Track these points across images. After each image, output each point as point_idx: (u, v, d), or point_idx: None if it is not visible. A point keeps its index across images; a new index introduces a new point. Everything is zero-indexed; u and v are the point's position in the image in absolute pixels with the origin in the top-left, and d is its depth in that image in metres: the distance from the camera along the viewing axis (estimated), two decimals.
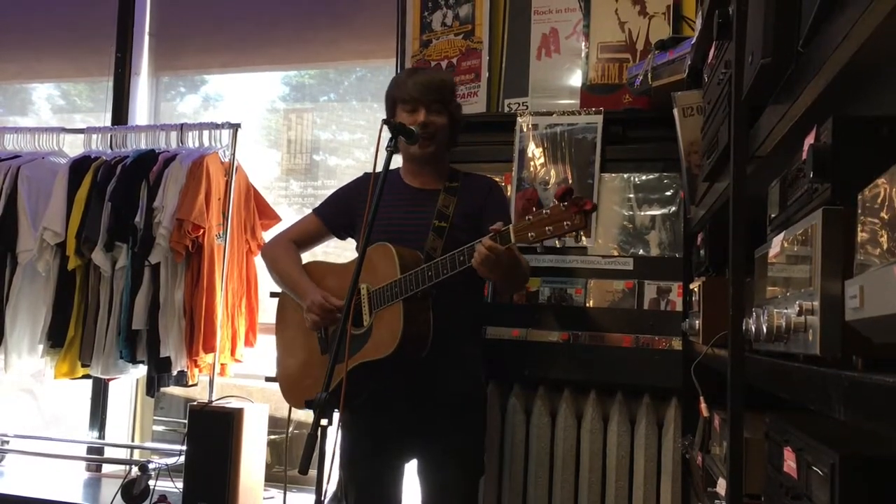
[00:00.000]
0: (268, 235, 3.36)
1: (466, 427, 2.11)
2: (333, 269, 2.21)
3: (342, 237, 2.31)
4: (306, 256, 2.31)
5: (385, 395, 2.06)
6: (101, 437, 3.67)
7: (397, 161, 2.28)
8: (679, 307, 2.45)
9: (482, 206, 2.12)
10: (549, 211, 1.70)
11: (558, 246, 1.77)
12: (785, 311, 0.91)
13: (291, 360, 2.25)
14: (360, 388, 1.97)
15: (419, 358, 1.97)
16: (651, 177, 2.58)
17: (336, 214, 2.25)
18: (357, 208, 2.13)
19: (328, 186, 3.60)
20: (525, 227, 1.73)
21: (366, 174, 2.22)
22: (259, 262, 3.38)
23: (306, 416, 3.13)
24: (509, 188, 2.70)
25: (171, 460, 3.11)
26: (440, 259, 1.89)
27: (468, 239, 1.85)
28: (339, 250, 3.24)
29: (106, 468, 3.62)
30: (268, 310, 3.25)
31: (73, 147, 3.65)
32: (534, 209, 1.75)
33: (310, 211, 2.33)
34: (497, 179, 2.71)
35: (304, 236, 2.29)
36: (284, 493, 3.00)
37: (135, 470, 3.10)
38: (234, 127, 3.26)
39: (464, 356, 2.12)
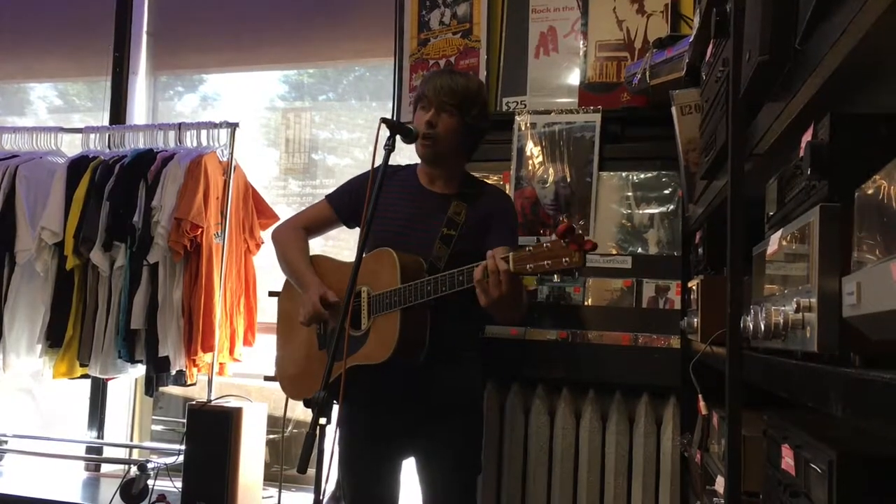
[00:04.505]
0: (266, 235, 3.35)
1: (464, 426, 2.12)
2: (338, 265, 2.21)
3: (350, 226, 2.30)
4: (312, 245, 2.32)
5: (383, 394, 2.07)
6: (100, 436, 3.66)
7: (402, 160, 2.28)
8: (677, 305, 2.45)
9: (489, 220, 2.11)
10: (549, 245, 1.71)
11: (556, 281, 1.78)
12: (783, 308, 0.91)
13: (291, 352, 2.28)
14: (356, 389, 1.98)
15: (415, 364, 1.98)
16: (649, 175, 2.58)
17: (348, 203, 2.24)
18: None
19: (326, 185, 3.59)
20: (524, 258, 1.73)
21: (376, 168, 2.21)
22: (258, 261, 3.39)
23: (305, 414, 3.13)
24: (507, 187, 2.70)
25: (169, 460, 3.11)
26: (440, 276, 1.89)
27: (472, 249, 1.86)
28: (337, 250, 3.25)
29: (105, 468, 3.62)
30: (266, 309, 3.25)
31: (72, 147, 3.65)
32: (537, 239, 1.74)
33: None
34: (495, 178, 2.71)
35: (314, 223, 2.30)
36: (279, 491, 2.99)
37: (134, 469, 3.09)
38: (233, 126, 3.26)
39: (462, 359, 2.13)
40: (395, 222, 2.07)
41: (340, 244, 3.33)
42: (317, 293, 2.08)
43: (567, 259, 1.68)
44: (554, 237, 1.70)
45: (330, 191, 2.34)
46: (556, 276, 1.74)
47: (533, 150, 2.70)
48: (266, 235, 3.35)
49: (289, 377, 2.27)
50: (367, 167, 1.93)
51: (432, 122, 2.06)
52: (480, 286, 1.77)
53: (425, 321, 1.97)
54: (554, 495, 2.48)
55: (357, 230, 2.33)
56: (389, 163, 1.92)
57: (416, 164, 2.22)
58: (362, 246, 1.81)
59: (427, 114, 2.07)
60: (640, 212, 2.57)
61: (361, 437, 2.09)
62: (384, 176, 1.87)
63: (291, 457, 3.39)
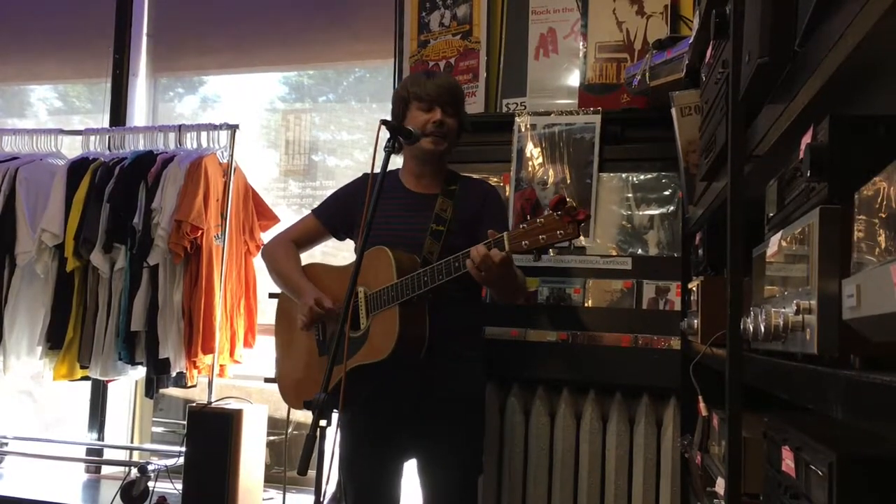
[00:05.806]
0: (266, 236, 3.35)
1: (466, 427, 2.12)
2: (332, 271, 2.22)
3: (340, 238, 2.32)
4: (305, 257, 2.32)
5: (385, 395, 2.07)
6: (101, 438, 3.66)
7: (396, 161, 2.28)
8: (677, 307, 2.45)
9: (480, 212, 2.13)
10: (542, 220, 1.72)
11: (552, 255, 1.80)
12: (783, 310, 0.91)
13: (291, 361, 2.26)
14: (358, 390, 1.98)
15: (417, 360, 1.97)
16: (649, 176, 2.58)
17: (334, 215, 2.26)
18: (356, 209, 2.14)
19: (327, 187, 3.59)
20: (519, 235, 1.75)
21: (364, 175, 2.23)
22: (258, 262, 3.38)
23: (305, 416, 3.13)
24: (507, 188, 2.70)
25: (170, 462, 3.11)
26: (436, 265, 1.90)
27: (464, 244, 1.86)
28: (335, 250, 3.25)
29: (105, 470, 3.62)
30: (267, 311, 3.25)
31: (72, 149, 3.65)
32: (528, 217, 1.76)
33: (309, 211, 2.34)
34: (495, 179, 2.71)
35: (303, 237, 2.30)
36: (284, 494, 2.99)
37: (134, 471, 3.09)
38: (233, 128, 3.26)
39: (463, 357, 2.13)
40: (383, 226, 2.07)
41: (340, 244, 3.33)
42: (312, 297, 2.09)
43: (561, 231, 1.70)
44: (547, 211, 1.71)
45: (329, 192, 2.35)
46: (551, 249, 1.75)
47: (533, 151, 2.70)
48: (266, 237, 3.35)
49: (290, 385, 2.25)
50: (367, 168, 1.93)
51: (443, 120, 2.08)
52: (476, 269, 1.79)
53: (424, 315, 1.97)
54: (554, 496, 2.48)
55: (343, 241, 2.34)
56: (376, 170, 1.92)
57: (397, 170, 2.22)
58: (363, 246, 1.81)
59: (431, 113, 2.08)
60: (640, 213, 2.57)
61: (363, 438, 2.09)
62: (383, 178, 1.86)
63: (292, 458, 3.39)
